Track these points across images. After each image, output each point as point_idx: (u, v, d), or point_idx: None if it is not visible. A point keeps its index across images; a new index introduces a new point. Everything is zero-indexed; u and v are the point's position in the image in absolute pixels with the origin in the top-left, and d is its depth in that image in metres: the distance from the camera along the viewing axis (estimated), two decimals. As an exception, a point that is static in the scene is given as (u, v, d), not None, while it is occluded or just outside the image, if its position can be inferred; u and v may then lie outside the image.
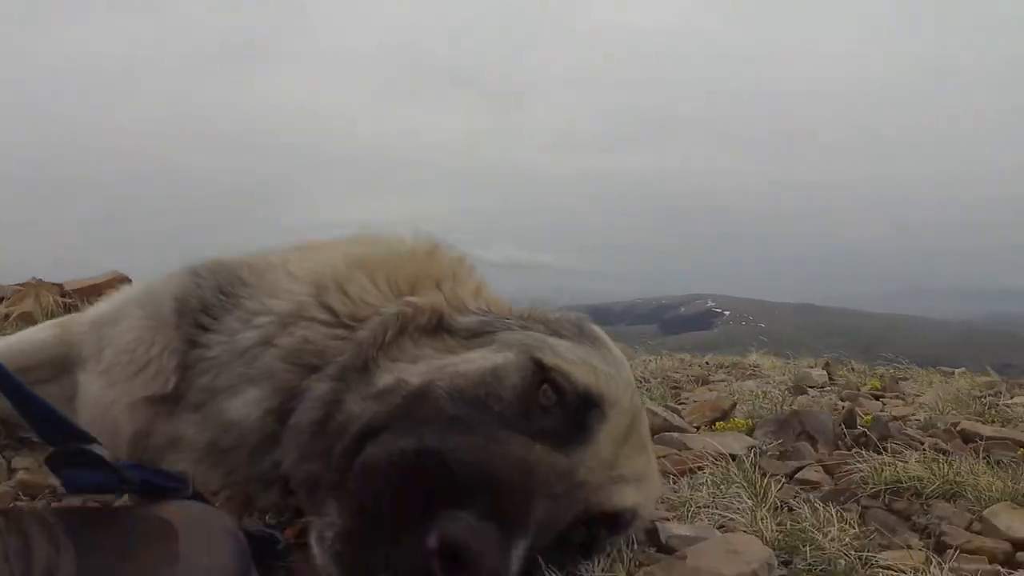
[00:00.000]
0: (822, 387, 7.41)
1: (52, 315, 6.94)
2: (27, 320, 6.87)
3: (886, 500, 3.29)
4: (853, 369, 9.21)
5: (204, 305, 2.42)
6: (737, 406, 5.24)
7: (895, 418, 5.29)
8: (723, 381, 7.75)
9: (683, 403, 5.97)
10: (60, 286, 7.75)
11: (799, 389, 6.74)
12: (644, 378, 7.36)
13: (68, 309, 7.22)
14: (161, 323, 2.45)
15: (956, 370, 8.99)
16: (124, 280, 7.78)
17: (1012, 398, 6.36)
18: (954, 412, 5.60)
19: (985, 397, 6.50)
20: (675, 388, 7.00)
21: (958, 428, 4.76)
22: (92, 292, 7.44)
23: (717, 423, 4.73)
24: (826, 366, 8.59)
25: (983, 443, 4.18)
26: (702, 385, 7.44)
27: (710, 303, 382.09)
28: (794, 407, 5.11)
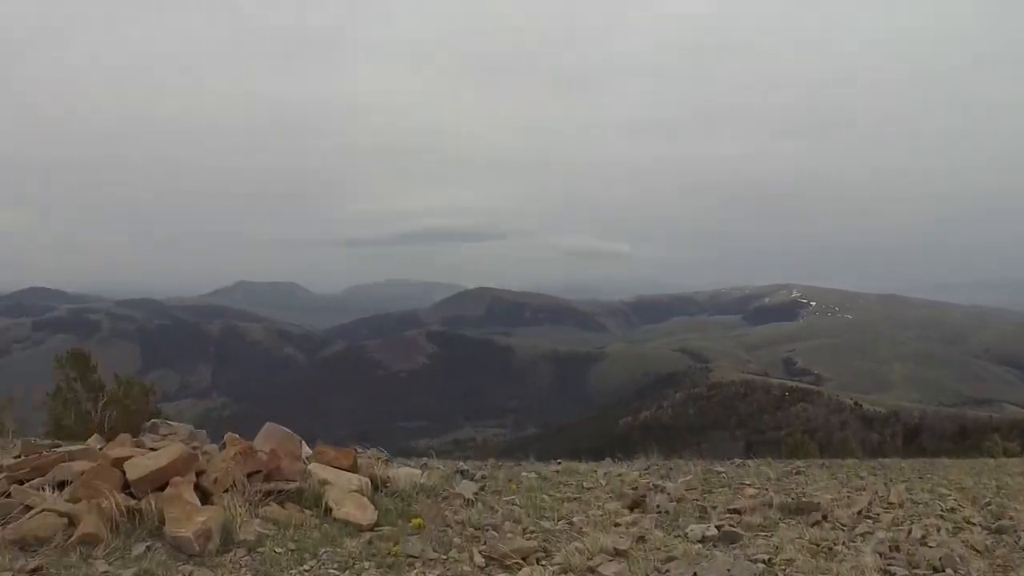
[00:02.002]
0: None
1: (117, 529, 6.25)
2: (91, 542, 6.05)
3: None
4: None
5: None
6: None
7: None
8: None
9: None
10: (122, 468, 6.93)
11: None
12: None
13: (133, 515, 6.43)
14: None
15: None
16: (192, 459, 7.09)
17: None
18: None
19: None
20: None
21: None
22: (157, 481, 6.76)
23: None
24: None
25: None
26: None
27: (795, 293, 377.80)
28: None
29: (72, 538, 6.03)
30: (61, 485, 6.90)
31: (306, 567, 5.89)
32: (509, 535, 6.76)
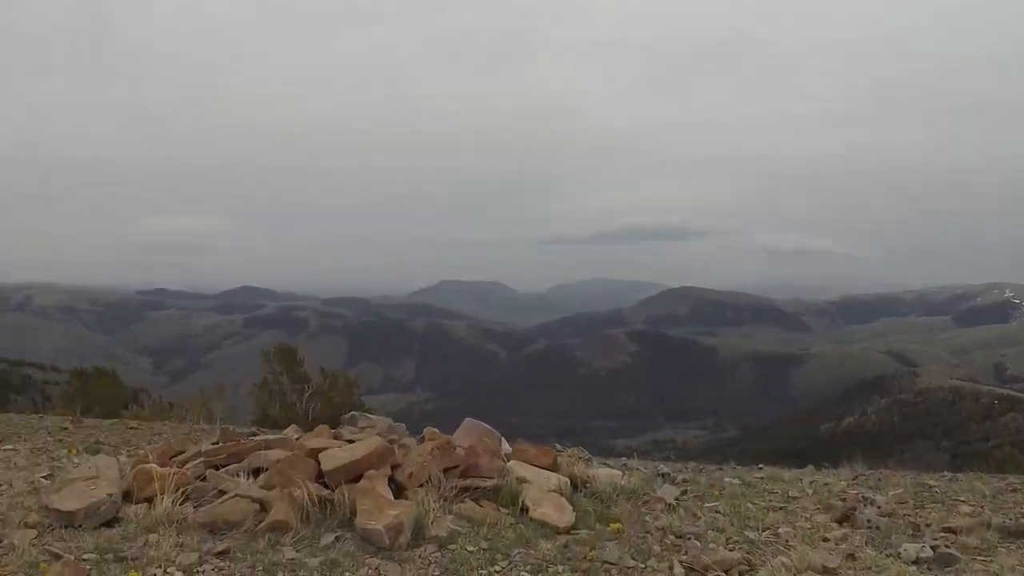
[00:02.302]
0: None
1: (308, 518, 6.25)
2: (281, 529, 6.09)
3: None
4: None
5: None
6: None
7: None
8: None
9: None
10: (317, 458, 6.96)
11: None
12: None
13: (324, 505, 6.43)
14: None
15: None
16: (387, 453, 7.04)
17: None
18: None
19: None
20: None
21: None
22: (351, 473, 6.73)
23: None
24: None
25: None
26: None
27: (1008, 293, 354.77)
28: None
29: (262, 524, 6.09)
30: (256, 472, 7.01)
31: (497, 568, 5.73)
32: (712, 545, 6.36)
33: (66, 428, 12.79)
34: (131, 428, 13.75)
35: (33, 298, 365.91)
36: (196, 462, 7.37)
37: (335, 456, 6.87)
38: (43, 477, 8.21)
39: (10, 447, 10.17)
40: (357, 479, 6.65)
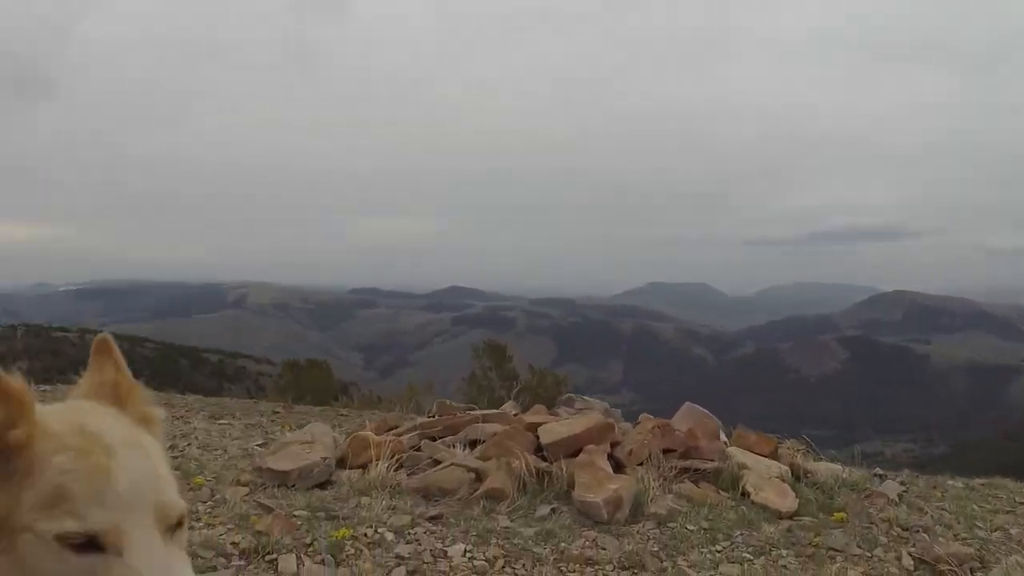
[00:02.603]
0: None
1: (524, 488, 6.27)
2: (496, 497, 6.15)
3: None
4: None
5: None
6: None
7: None
8: None
9: None
10: (535, 432, 6.98)
11: None
12: None
13: (542, 477, 6.41)
14: None
15: None
16: (608, 429, 7.01)
17: None
18: None
19: None
20: None
21: None
22: (570, 447, 6.70)
23: None
24: None
25: None
26: None
27: None
28: None
29: (477, 492, 6.18)
30: (472, 444, 7.11)
31: (718, 547, 5.69)
32: (941, 539, 6.20)
33: (279, 412, 13.28)
34: (341, 414, 14.08)
35: (248, 296, 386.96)
36: (411, 434, 7.58)
37: (554, 430, 6.91)
38: (257, 445, 8.64)
39: (225, 422, 10.58)
40: (575, 454, 6.67)
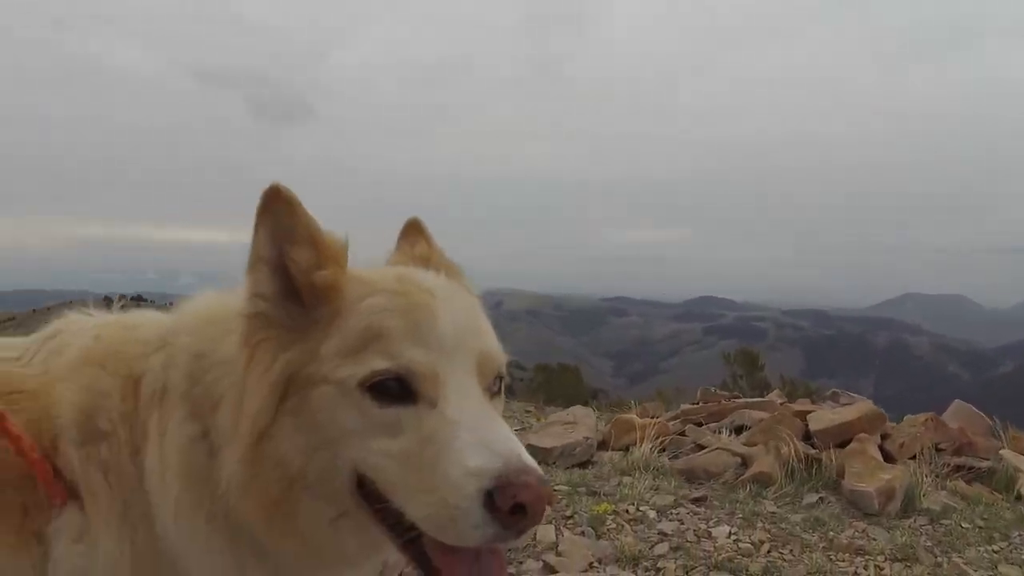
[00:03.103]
0: None
1: (792, 475, 6.22)
2: (763, 482, 6.14)
3: None
4: None
5: None
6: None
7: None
8: None
9: None
10: (804, 419, 6.91)
11: None
12: None
13: (810, 464, 6.35)
14: None
15: None
16: (880, 419, 6.84)
17: None
18: None
19: None
20: None
21: None
22: (840, 435, 6.59)
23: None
24: None
25: None
26: None
27: None
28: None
29: (744, 476, 6.18)
30: (738, 430, 7.13)
31: (995, 547, 5.44)
32: None
33: (530, 411, 13.59)
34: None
35: (504, 302, 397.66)
36: (675, 420, 7.70)
37: (824, 417, 6.81)
38: (516, 430, 8.94)
39: None
40: (845, 444, 6.55)
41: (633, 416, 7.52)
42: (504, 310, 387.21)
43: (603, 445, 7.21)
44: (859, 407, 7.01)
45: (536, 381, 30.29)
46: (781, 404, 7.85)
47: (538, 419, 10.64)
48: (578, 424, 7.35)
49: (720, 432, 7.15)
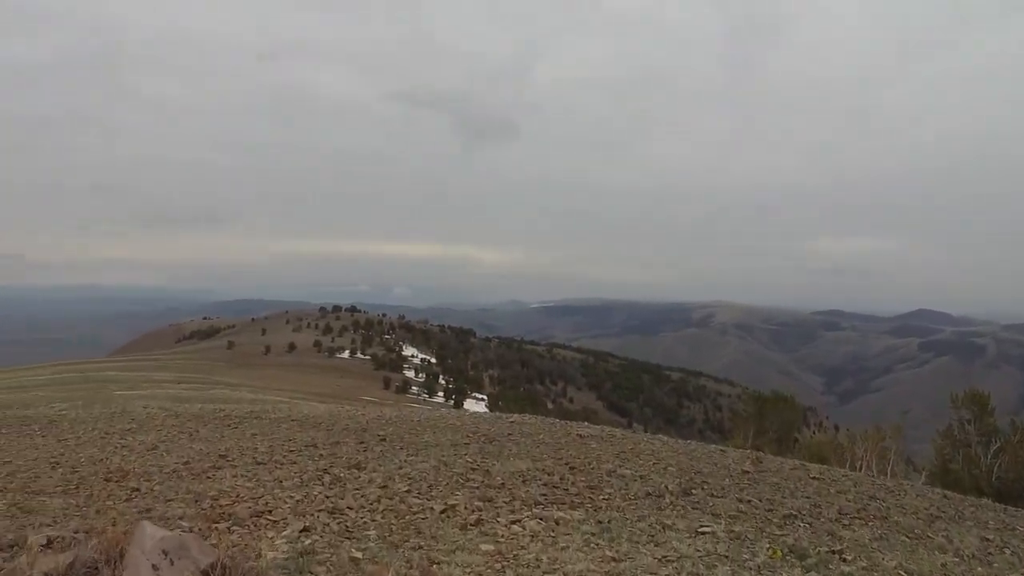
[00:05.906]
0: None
1: None
2: None
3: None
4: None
5: None
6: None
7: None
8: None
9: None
10: None
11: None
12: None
13: None
14: None
15: None
16: None
17: None
18: None
19: None
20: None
21: None
22: None
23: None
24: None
25: None
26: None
27: None
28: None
29: None
30: None
31: None
32: None
33: (747, 472, 10.41)
34: (814, 478, 10.54)
35: (713, 316, 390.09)
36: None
37: None
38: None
39: (707, 529, 7.34)
40: None
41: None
42: (714, 324, 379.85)
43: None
44: None
45: (748, 411, 30.09)
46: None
47: (774, 554, 6.57)
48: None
49: None
